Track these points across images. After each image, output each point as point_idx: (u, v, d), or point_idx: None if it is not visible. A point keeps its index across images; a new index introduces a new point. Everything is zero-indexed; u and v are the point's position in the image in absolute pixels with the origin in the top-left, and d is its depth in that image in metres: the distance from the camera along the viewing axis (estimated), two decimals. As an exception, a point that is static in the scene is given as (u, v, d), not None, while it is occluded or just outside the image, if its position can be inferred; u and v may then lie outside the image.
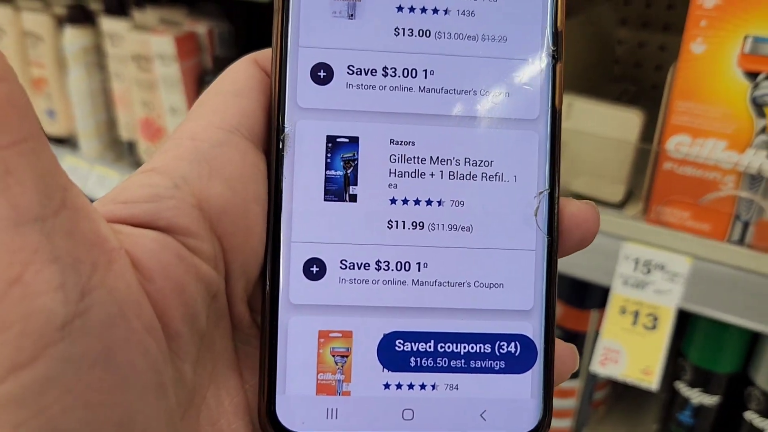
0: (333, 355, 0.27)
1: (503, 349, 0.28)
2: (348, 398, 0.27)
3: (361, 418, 0.27)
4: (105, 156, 1.18)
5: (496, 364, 0.28)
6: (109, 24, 1.05)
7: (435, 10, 0.28)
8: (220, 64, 1.04)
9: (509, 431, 0.28)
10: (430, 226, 0.28)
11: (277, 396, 0.27)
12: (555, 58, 0.29)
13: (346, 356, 0.27)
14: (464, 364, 0.28)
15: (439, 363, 0.28)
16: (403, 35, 0.28)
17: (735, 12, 0.63)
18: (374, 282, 0.28)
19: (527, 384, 0.28)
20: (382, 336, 0.28)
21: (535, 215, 0.29)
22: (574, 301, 0.89)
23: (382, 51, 0.28)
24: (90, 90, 1.12)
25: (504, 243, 0.28)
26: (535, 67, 0.29)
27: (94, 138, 1.16)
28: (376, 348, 0.28)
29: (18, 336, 0.18)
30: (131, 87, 1.08)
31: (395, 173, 0.28)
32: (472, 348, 0.28)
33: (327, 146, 0.27)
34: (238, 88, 0.27)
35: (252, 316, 0.28)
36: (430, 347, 0.28)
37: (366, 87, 0.27)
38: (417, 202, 0.28)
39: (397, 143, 0.28)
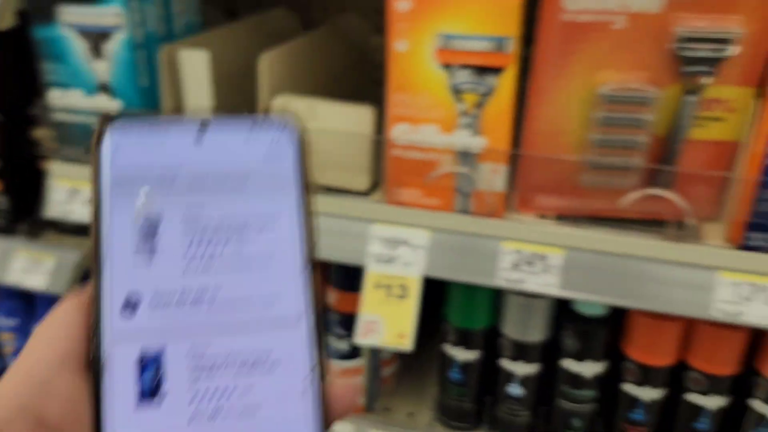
0: None
1: None
2: None
3: None
4: None
5: None
6: None
7: (214, 242, 0.35)
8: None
9: None
10: (223, 415, 0.34)
11: None
12: (312, 266, 0.36)
13: None
14: None
15: None
16: (191, 263, 0.35)
17: (426, 14, 0.73)
18: None
19: None
20: None
21: (306, 394, 0.35)
22: (346, 285, 0.96)
23: (178, 278, 0.35)
24: None
25: (282, 420, 0.35)
26: (296, 275, 0.36)
27: None
28: None
29: None
30: None
31: (194, 379, 0.34)
32: None
33: (135, 367, 0.33)
34: (66, 322, 0.34)
35: None
36: None
37: (166, 312, 0.34)
38: (212, 397, 0.34)
39: (194, 356, 0.34)
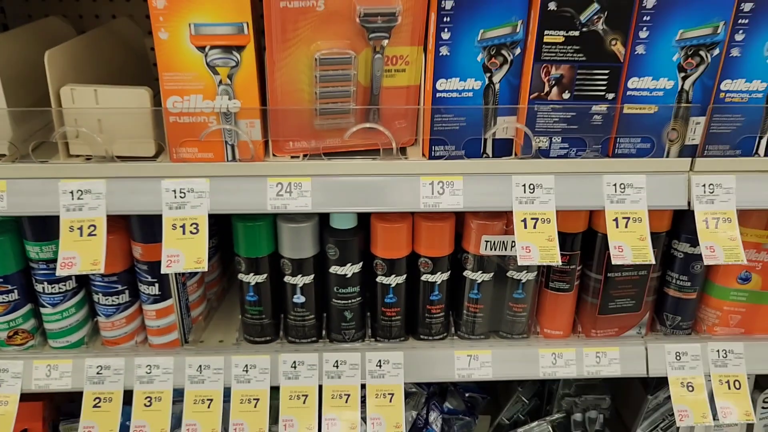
0: None
1: None
2: None
3: None
4: None
5: None
6: None
7: None
8: None
9: None
10: None
11: None
12: None
13: None
14: None
15: None
16: None
17: (179, 9, 0.96)
18: None
19: None
20: None
21: None
22: (148, 238, 1.16)
23: None
24: None
25: None
26: None
27: None
28: None
29: None
30: None
31: None
32: None
33: None
34: None
35: None
36: None
37: None
38: None
39: None
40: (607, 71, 1.03)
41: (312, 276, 1.21)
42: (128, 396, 1.20)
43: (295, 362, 1.22)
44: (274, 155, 1.09)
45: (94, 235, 1.04)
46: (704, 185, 1.10)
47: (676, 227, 1.22)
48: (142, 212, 1.06)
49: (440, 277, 1.22)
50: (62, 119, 1.04)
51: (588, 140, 1.07)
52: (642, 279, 1.24)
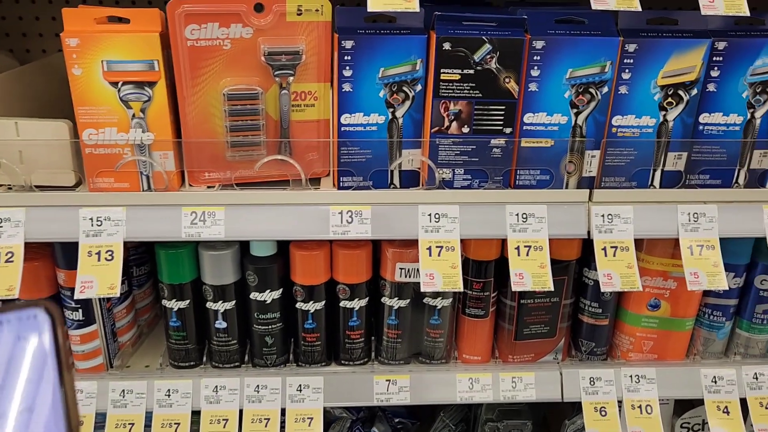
0: None
1: None
2: None
3: None
4: None
5: None
6: None
7: None
8: None
9: None
10: None
11: None
12: None
13: None
14: None
15: None
16: None
17: (91, 47, 1.01)
18: None
19: None
20: None
21: None
22: (72, 265, 1.20)
23: None
24: None
25: None
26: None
27: None
28: None
29: None
30: None
31: None
32: None
33: None
34: None
35: None
36: None
37: None
38: None
39: None
40: (503, 107, 1.08)
41: (233, 302, 1.24)
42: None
43: (216, 386, 1.25)
44: (190, 185, 1.13)
45: (12, 261, 1.08)
46: (603, 215, 1.15)
47: (587, 256, 1.27)
48: (60, 239, 1.11)
49: (358, 304, 1.26)
50: (-16, 150, 1.09)
51: (489, 172, 1.12)
52: (554, 305, 1.28)
